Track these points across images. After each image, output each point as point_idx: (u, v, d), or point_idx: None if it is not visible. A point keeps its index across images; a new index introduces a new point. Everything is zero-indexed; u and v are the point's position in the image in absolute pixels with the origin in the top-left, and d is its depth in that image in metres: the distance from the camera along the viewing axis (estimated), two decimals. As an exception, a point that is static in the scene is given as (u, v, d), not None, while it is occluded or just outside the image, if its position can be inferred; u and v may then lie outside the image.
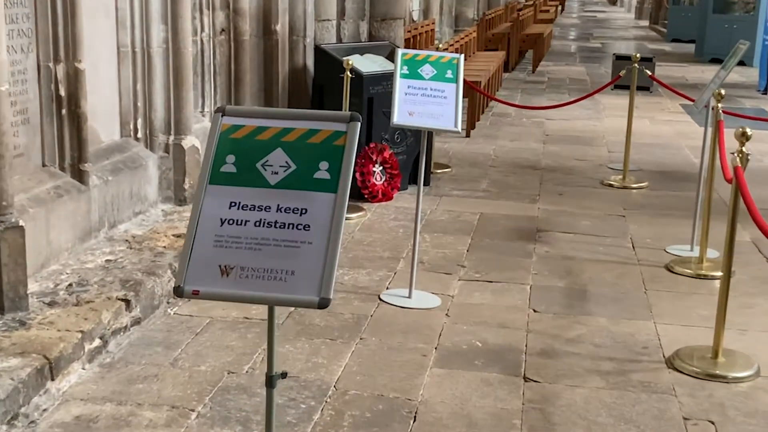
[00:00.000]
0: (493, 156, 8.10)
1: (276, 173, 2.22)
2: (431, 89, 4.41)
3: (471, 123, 9.06)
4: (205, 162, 2.30)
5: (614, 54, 7.77)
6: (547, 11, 24.23)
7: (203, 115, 6.32)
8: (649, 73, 7.20)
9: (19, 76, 4.20)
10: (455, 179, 7.14)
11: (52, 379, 3.33)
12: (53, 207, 4.25)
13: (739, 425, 3.35)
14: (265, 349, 3.00)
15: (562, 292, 4.71)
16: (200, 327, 4.05)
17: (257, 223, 2.20)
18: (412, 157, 6.66)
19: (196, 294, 2.13)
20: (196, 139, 5.53)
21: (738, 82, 14.40)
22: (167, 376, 3.55)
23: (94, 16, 4.74)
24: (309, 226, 2.18)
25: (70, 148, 4.48)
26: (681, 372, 3.77)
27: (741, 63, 16.89)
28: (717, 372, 3.72)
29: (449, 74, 4.44)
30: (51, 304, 3.79)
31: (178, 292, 2.14)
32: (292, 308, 4.16)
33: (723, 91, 4.99)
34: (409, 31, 10.27)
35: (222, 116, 2.31)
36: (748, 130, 3.69)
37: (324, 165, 2.23)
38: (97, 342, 3.65)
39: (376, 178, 6.36)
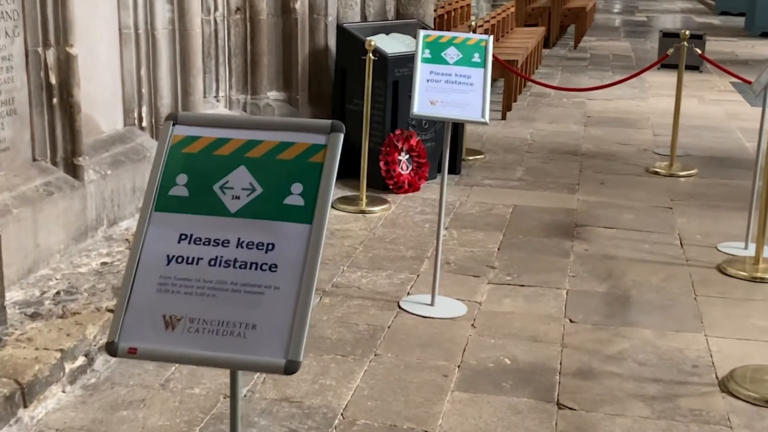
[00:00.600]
0: (529, 140, 7.61)
1: (237, 198, 1.78)
2: (456, 75, 3.96)
3: (507, 104, 8.57)
4: (150, 183, 1.85)
5: (661, 30, 7.24)
6: (590, -16, 23.41)
7: (218, 101, 5.94)
8: (699, 51, 6.65)
9: (4, 63, 3.84)
10: (488, 167, 6.68)
11: (25, 407, 2.98)
12: (42, 206, 3.90)
13: (806, 467, 2.90)
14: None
15: (602, 298, 4.25)
16: (199, 340, 3.68)
17: (212, 262, 1.75)
18: (441, 144, 6.21)
19: (133, 353, 1.71)
20: (205, 128, 5.14)
21: (792, 57, 13.66)
22: (156, 400, 3.18)
23: (90, -4, 4.37)
24: (276, 266, 1.74)
25: (62, 140, 4.13)
26: (736, 397, 3.31)
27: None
28: (779, 398, 3.27)
29: (476, 58, 3.99)
30: (33, 316, 3.44)
31: (111, 350, 1.72)
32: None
33: (787, 73, 4.47)
34: (443, 7, 9.78)
35: (173, 125, 1.85)
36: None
37: (297, 188, 1.79)
38: (80, 360, 3.30)
39: (402, 168, 5.93)
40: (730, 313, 4.10)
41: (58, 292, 3.69)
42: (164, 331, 1.74)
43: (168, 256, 1.79)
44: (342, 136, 1.79)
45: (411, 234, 5.12)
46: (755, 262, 4.58)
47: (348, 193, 5.84)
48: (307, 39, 6.14)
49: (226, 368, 1.86)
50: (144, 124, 4.91)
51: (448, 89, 3.94)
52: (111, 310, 3.54)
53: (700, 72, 7.35)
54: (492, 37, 4.03)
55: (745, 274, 4.52)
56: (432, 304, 4.07)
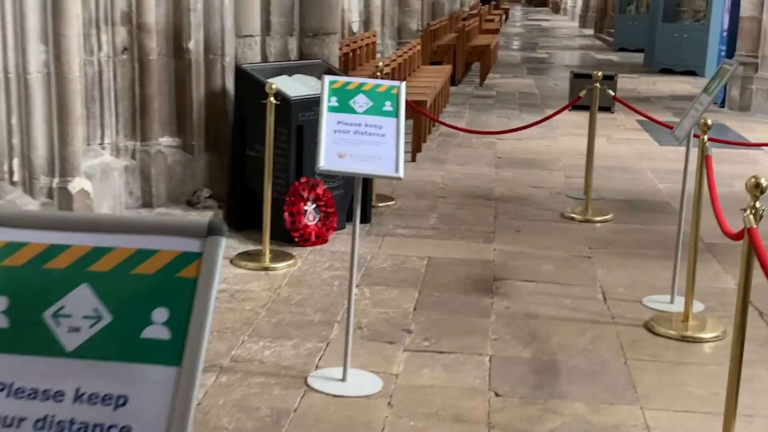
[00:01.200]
0: (441, 184, 7.31)
1: (77, 330, 1.26)
2: (366, 125, 3.59)
3: (417, 145, 8.27)
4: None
5: (572, 71, 7.06)
6: (492, 20, 23.65)
7: (103, 148, 5.43)
8: (612, 93, 6.49)
9: None
10: (400, 214, 6.33)
11: None
12: None
13: None
14: None
15: (527, 364, 3.91)
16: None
17: (40, 424, 1.22)
18: (350, 192, 5.83)
19: None
20: (86, 181, 4.65)
21: (692, 94, 13.82)
22: None
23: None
24: (129, 430, 1.21)
25: None
26: (682, 481, 3.00)
27: (691, 72, 16.49)
28: (728, 483, 2.97)
29: (388, 106, 3.63)
30: None
31: None
32: (197, 401, 3.31)
33: (710, 121, 4.26)
34: (348, 45, 9.47)
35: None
36: (763, 180, 2.93)
37: (161, 314, 1.24)
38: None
39: (308, 218, 5.52)
40: (664, 379, 3.81)
41: None
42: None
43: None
44: (224, 240, 1.28)
45: (319, 293, 4.70)
46: (684, 319, 4.33)
47: (250, 247, 5.39)
48: (202, 81, 5.69)
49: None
50: (15, 178, 4.38)
51: (358, 141, 3.57)
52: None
53: (612, 113, 7.24)
54: (404, 83, 3.68)
55: (674, 332, 4.26)
56: (344, 380, 3.65)
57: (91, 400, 1.23)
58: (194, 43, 5.59)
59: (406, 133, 8.95)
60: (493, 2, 33.01)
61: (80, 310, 1.25)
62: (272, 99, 5.07)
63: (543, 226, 6.15)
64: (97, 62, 5.30)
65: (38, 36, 4.34)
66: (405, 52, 9.82)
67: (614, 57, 21.08)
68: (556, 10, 50.52)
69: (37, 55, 4.35)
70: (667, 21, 17.26)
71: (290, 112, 5.43)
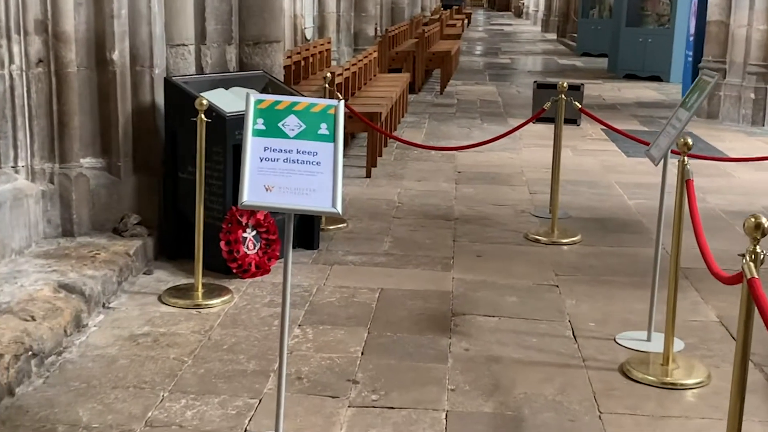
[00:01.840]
0: (397, 203, 6.81)
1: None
2: (299, 152, 3.08)
3: (372, 160, 7.77)
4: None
5: (535, 81, 6.57)
6: (454, 25, 23.23)
7: (17, 171, 4.86)
8: (579, 105, 6.03)
9: None
10: (351, 238, 5.82)
11: None
12: None
13: None
14: None
15: (489, 421, 3.42)
16: None
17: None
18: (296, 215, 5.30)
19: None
20: (-13, 213, 4.08)
21: (657, 100, 13.55)
22: None
23: None
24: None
25: None
26: None
27: (656, 78, 16.17)
28: None
29: (324, 129, 3.11)
30: None
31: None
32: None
33: (690, 141, 3.80)
34: (299, 53, 8.94)
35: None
36: (764, 221, 2.46)
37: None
38: None
39: (247, 247, 4.99)
40: (644, 437, 3.34)
41: None
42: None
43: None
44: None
45: (256, 336, 4.17)
46: (664, 362, 3.86)
47: (183, 280, 4.86)
48: (129, 95, 5.14)
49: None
50: None
51: (289, 171, 3.05)
52: None
53: (578, 126, 6.83)
54: (343, 102, 3.17)
55: (653, 378, 3.79)
56: (276, 448, 3.13)
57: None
58: (119, 54, 5.04)
59: (359, 146, 8.49)
60: (455, 6, 32.62)
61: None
62: (203, 116, 4.54)
63: (506, 251, 5.68)
64: (9, 76, 4.74)
65: (-76, 48, 3.77)
66: (360, 60, 9.32)
67: (578, 62, 20.77)
68: (519, 14, 50.40)
69: (-77, 70, 3.78)
70: (631, 25, 16.95)
71: (225, 129, 4.90)
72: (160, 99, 5.22)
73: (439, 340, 4.19)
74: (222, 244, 4.91)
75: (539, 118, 6.70)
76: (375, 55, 10.64)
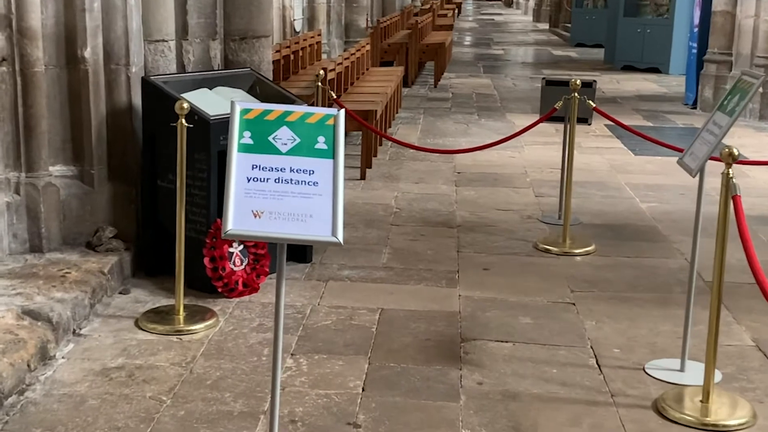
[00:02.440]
0: (395, 208, 6.37)
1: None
2: (292, 170, 2.65)
3: (366, 161, 7.32)
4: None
5: (544, 78, 6.11)
6: (445, 15, 22.75)
7: (-22, 183, 4.39)
8: (593, 104, 5.60)
9: None
10: (347, 249, 5.37)
11: None
12: None
13: None
14: None
15: (511, 475, 2.99)
16: None
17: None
18: (285, 227, 4.85)
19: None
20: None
21: (658, 93, 13.14)
22: None
23: None
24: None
25: None
26: None
27: (655, 70, 15.76)
28: None
29: (321, 143, 2.67)
30: None
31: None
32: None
33: (736, 151, 3.37)
34: (288, 47, 8.47)
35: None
36: None
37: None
38: None
39: (234, 263, 4.54)
40: (690, 495, 2.92)
41: None
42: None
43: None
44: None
45: (243, 368, 3.73)
46: (704, 398, 3.43)
47: (163, 300, 4.41)
48: (103, 96, 4.68)
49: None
50: None
51: (281, 193, 2.62)
52: None
53: (589, 125, 6.40)
54: (343, 111, 2.72)
55: (692, 418, 3.36)
56: None
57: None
58: (91, 51, 4.57)
59: (353, 144, 8.06)
60: (445, -4, 32.09)
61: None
62: (183, 121, 4.08)
63: (515, 263, 5.24)
64: (-34, 76, 4.27)
65: None
66: (353, 54, 8.85)
67: (572, 53, 20.34)
68: (509, 3, 49.94)
69: None
70: (629, 15, 16.52)
71: (209, 134, 4.44)
72: (137, 100, 4.76)
73: (449, 371, 3.75)
74: (206, 260, 4.46)
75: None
76: (367, 47, 10.18)
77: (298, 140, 2.66)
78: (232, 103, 2.72)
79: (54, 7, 4.51)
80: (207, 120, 4.43)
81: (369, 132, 7.11)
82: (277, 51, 8.04)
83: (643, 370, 3.82)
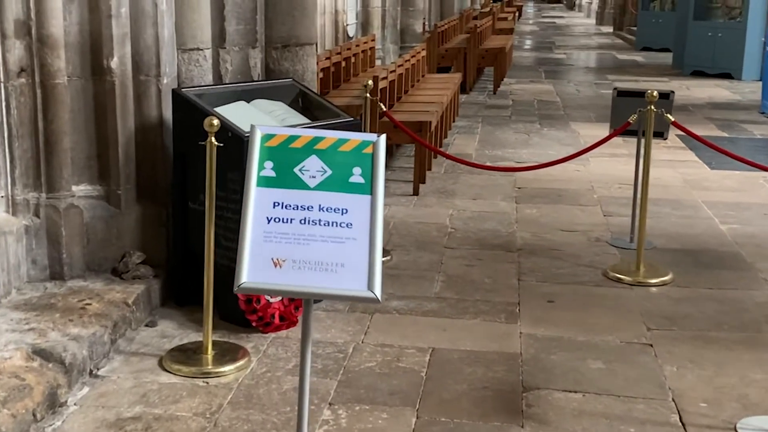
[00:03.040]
0: (449, 228, 5.88)
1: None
2: (321, 209, 2.20)
3: (420, 175, 6.85)
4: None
5: (615, 89, 5.56)
6: (506, 19, 22.16)
7: (-6, 204, 4.04)
8: (672, 119, 5.04)
9: None
10: (396, 275, 4.91)
11: None
12: None
13: None
14: None
15: None
16: None
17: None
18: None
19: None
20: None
21: (732, 101, 12.41)
22: None
23: None
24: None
25: None
26: None
27: (727, 75, 14.99)
28: None
29: (357, 176, 2.23)
30: None
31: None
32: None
33: None
34: (339, 53, 8.05)
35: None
36: None
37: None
38: None
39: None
40: None
41: None
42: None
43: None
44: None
45: (275, 421, 3.29)
46: (813, 475, 2.89)
47: (192, 334, 4.01)
48: (131, 110, 4.29)
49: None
50: None
51: (307, 236, 2.17)
52: None
53: (665, 139, 5.85)
54: (384, 136, 2.27)
55: (801, 498, 2.82)
56: None
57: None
58: (118, 61, 4.19)
59: (406, 156, 7.62)
60: (505, -1, 31.48)
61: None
62: (213, 139, 3.67)
63: (582, 293, 4.72)
64: (-18, 89, 3.93)
65: None
66: (407, 60, 8.40)
67: (638, 57, 19.59)
68: (571, 6, 48.99)
69: None
70: (699, 18, 15.75)
71: (243, 152, 4.02)
72: (168, 114, 4.37)
73: (509, 428, 3.27)
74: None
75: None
76: (423, 53, 9.71)
77: (329, 172, 2.22)
78: (252, 127, 2.29)
79: (78, 13, 4.14)
80: (241, 137, 4.01)
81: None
82: (327, 58, 7.63)
83: (735, 430, 3.29)
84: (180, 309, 4.31)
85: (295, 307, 4.18)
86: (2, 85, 3.98)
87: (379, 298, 2.15)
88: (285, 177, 2.21)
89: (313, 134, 2.28)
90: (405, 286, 4.76)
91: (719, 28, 15.21)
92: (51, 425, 3.22)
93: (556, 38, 26.00)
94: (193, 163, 4.21)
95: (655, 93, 4.89)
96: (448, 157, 6.10)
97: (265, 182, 2.21)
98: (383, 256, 4.98)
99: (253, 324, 4.06)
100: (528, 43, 24.41)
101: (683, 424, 3.33)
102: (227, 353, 3.81)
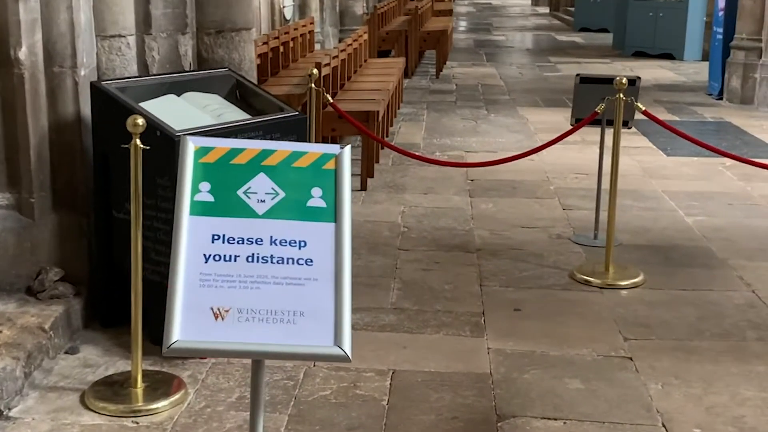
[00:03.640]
0: (402, 227, 5.47)
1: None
2: (274, 242, 1.75)
3: (368, 168, 6.41)
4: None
5: (578, 75, 5.21)
6: (443, 0, 21.74)
7: None
8: (643, 108, 4.69)
9: None
10: (347, 284, 4.47)
11: None
12: None
13: None
14: None
15: None
16: None
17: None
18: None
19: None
20: None
21: (677, 82, 12.24)
22: None
23: None
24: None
25: None
26: None
27: (668, 56, 14.86)
28: None
29: (317, 198, 1.80)
30: None
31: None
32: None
33: None
34: (277, 37, 7.55)
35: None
36: None
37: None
38: None
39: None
40: None
41: None
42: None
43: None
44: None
45: (217, 469, 2.84)
46: None
47: (119, 362, 3.53)
48: (43, 107, 3.76)
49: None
50: None
51: (256, 279, 1.73)
52: None
53: (629, 128, 5.51)
54: (349, 149, 1.83)
55: None
56: None
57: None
58: (27, 51, 3.66)
59: (351, 146, 7.26)
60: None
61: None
62: (138, 142, 3.18)
63: (550, 299, 4.36)
64: None
65: None
66: (349, 45, 7.93)
67: (577, 38, 19.40)
68: (505, -13, 48.79)
69: None
70: (640, -1, 15.58)
71: (175, 155, 3.53)
72: (87, 111, 3.84)
73: (486, 469, 2.87)
74: (173, 311, 3.55)
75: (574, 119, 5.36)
76: (365, 37, 9.25)
77: (282, 195, 1.78)
78: (183, 138, 1.83)
79: (-22, -3, 3.59)
80: (171, 137, 3.52)
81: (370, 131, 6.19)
82: (264, 43, 7.12)
83: (738, 462, 2.95)
84: (105, 331, 3.81)
85: (237, 327, 3.72)
86: None
87: (350, 356, 1.72)
88: (226, 202, 1.76)
89: (260, 147, 1.83)
90: (358, 296, 4.31)
91: (660, 8, 15.04)
92: (-50, 486, 2.72)
93: (493, 19, 25.74)
94: (117, 166, 3.70)
95: (624, 80, 4.53)
96: (401, 152, 5.67)
97: (200, 209, 1.75)
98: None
99: (190, 348, 3.58)
100: (464, 24, 24.07)
101: (678, 455, 2.98)
102: (160, 385, 3.33)
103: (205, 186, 1.77)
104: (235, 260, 1.70)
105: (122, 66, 4.07)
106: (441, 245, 5.13)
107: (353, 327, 3.78)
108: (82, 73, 3.83)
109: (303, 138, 3.97)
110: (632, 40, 15.47)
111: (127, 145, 3.19)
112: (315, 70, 4.74)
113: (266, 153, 1.79)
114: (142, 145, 3.18)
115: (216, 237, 1.72)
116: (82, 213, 3.89)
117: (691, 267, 4.83)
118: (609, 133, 4.79)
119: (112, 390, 3.30)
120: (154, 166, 3.45)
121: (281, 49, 7.66)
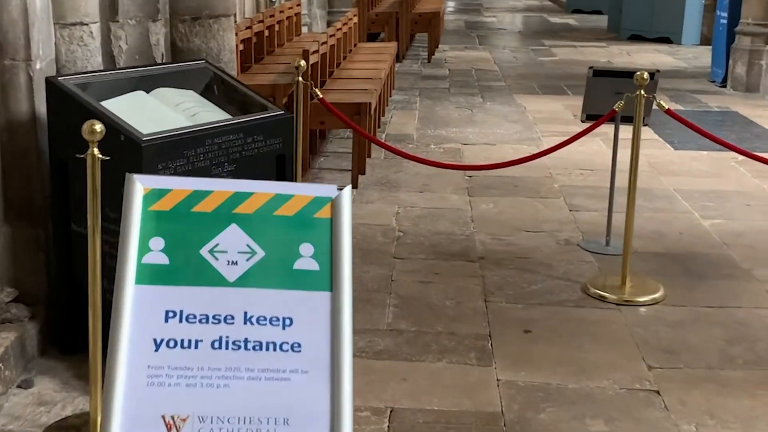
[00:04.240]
0: (397, 231, 5.03)
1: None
2: (249, 320, 1.30)
3: (359, 164, 5.96)
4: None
5: (591, 68, 4.75)
6: (433, -21, 21.17)
7: None
8: (666, 106, 4.25)
9: None
10: (337, 299, 4.04)
11: None
12: None
13: None
14: None
15: None
16: None
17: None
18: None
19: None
20: None
21: (677, 68, 11.80)
22: None
23: None
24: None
25: None
26: None
27: (666, 40, 14.43)
28: None
29: (307, 258, 1.34)
30: None
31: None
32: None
33: None
34: (262, 21, 7.06)
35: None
36: None
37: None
38: None
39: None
40: None
41: None
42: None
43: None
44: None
45: None
46: None
47: (78, 400, 3.09)
48: (-8, 105, 3.29)
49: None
50: None
51: (224, 372, 1.28)
52: None
53: (645, 125, 5.09)
54: (348, 190, 1.40)
55: None
56: None
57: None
58: (-28, 41, 3.18)
59: (342, 138, 6.72)
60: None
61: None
62: (95, 151, 2.72)
63: (563, 318, 3.94)
64: None
65: None
66: (339, 29, 7.45)
67: (570, 20, 18.93)
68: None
69: None
70: (637, -20, 15.12)
71: (141, 162, 3.08)
72: (44, 110, 3.38)
73: None
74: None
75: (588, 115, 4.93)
76: (355, 19, 8.76)
77: (260, 254, 1.32)
78: (128, 176, 1.40)
79: None
80: (138, 142, 3.06)
81: (360, 126, 5.73)
82: (248, 27, 6.64)
83: None
84: (64, 359, 3.37)
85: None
86: None
87: (351, 479, 1.30)
88: (185, 265, 1.30)
89: (232, 189, 1.37)
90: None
91: (658, -10, 14.59)
92: None
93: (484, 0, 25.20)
94: (77, 174, 3.23)
95: (645, 75, 4.08)
96: (395, 151, 5.22)
97: (150, 276, 1.29)
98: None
99: (160, 382, 3.15)
100: (454, 5, 23.54)
101: None
102: (125, 430, 2.90)
103: (157, 243, 1.31)
104: (196, 347, 1.24)
105: (84, 58, 3.60)
106: (440, 252, 4.70)
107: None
108: (38, 66, 3.36)
109: (290, 141, 3.52)
110: (628, 22, 15.01)
111: (82, 155, 2.74)
112: (302, 62, 4.27)
113: (240, 197, 1.33)
114: (100, 155, 2.72)
115: (171, 314, 1.25)
116: (38, 225, 3.43)
117: (714, 279, 4.42)
118: (608, 123, 4.37)
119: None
120: (117, 175, 2.98)
121: (266, 33, 7.17)
